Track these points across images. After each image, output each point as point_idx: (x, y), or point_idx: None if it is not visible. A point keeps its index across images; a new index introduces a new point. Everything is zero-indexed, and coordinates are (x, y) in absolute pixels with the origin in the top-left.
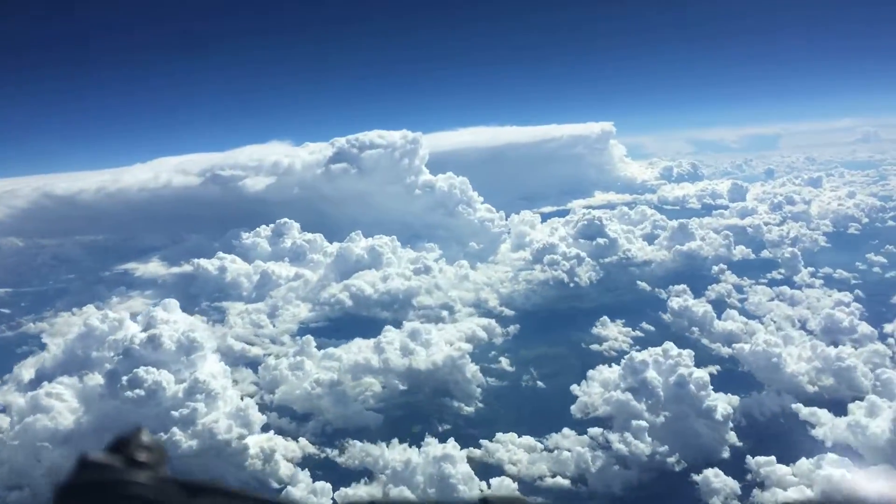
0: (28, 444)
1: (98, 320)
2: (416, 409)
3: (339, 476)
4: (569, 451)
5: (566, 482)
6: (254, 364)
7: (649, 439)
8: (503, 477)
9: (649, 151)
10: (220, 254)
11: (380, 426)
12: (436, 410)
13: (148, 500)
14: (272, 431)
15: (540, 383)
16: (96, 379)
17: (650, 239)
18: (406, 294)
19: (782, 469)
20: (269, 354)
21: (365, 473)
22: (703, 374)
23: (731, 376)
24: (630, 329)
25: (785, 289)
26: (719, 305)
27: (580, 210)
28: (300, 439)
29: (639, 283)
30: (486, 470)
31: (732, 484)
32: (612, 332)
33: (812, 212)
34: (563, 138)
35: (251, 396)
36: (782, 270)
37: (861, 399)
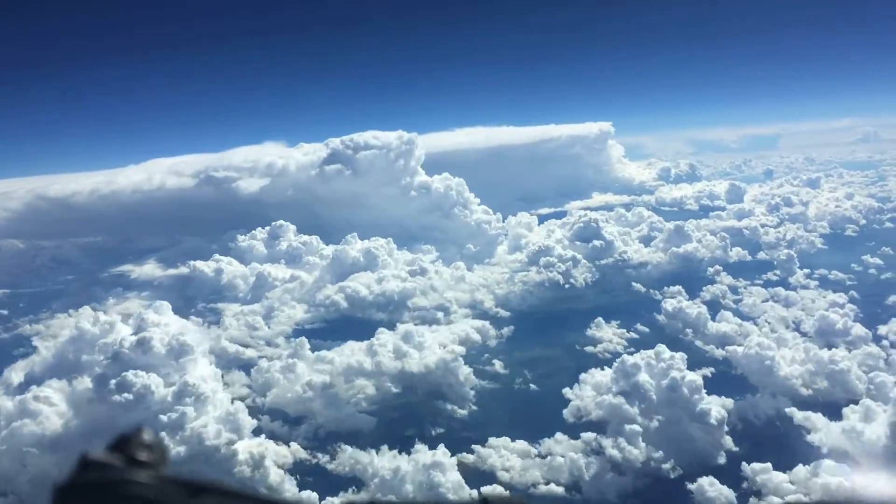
0: (14, 450)
1: (89, 323)
2: (410, 411)
3: (329, 483)
4: (562, 456)
5: (560, 489)
6: (248, 366)
7: (643, 444)
8: (495, 485)
9: (648, 151)
10: (217, 256)
11: (373, 429)
12: (429, 413)
13: (149, 499)
14: (263, 435)
15: (533, 386)
16: (85, 383)
17: (647, 241)
18: (401, 296)
19: (779, 476)
20: (264, 357)
21: (354, 481)
22: (696, 377)
23: (726, 379)
24: (625, 331)
25: (780, 290)
26: (714, 307)
27: (577, 212)
28: (292, 444)
29: (634, 284)
30: (477, 477)
31: (728, 493)
32: (607, 333)
33: (809, 213)
34: (561, 139)
35: (243, 399)
36: (778, 272)
37: (856, 402)
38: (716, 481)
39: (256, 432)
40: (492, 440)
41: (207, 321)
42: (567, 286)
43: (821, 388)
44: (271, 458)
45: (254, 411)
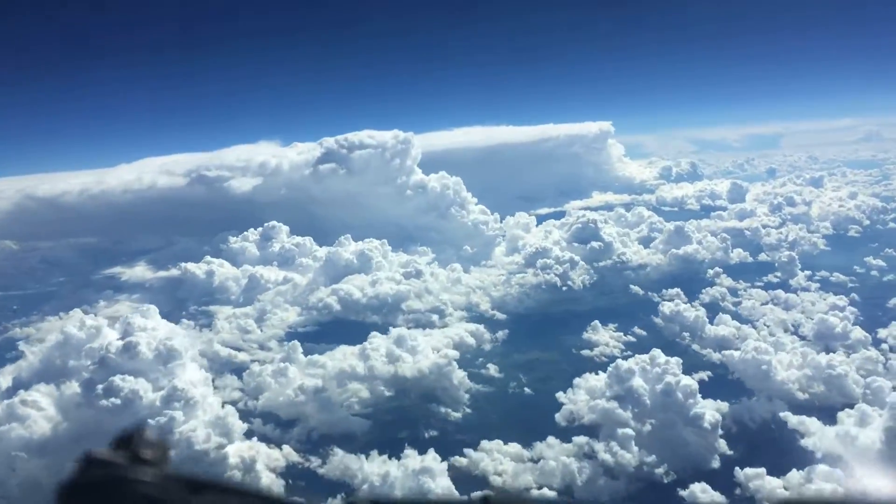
0: (2, 454)
1: (76, 327)
2: (403, 415)
3: (320, 488)
4: (554, 461)
5: (552, 494)
6: (241, 370)
7: (636, 449)
8: (486, 490)
9: (650, 150)
10: (209, 258)
11: (366, 432)
12: (423, 417)
13: (152, 497)
14: (255, 438)
15: (528, 390)
16: (73, 387)
17: (647, 241)
18: (395, 298)
19: (772, 482)
20: (256, 360)
21: (344, 486)
22: (690, 381)
23: (722, 382)
24: (622, 334)
25: (780, 292)
26: (713, 309)
27: (575, 212)
28: (284, 447)
29: (632, 287)
30: (469, 481)
31: (721, 500)
32: (604, 337)
33: (812, 213)
34: (560, 138)
35: (235, 403)
36: (779, 273)
37: (852, 407)
38: (708, 487)
39: (249, 435)
40: (485, 444)
41: (199, 324)
42: (564, 288)
43: (817, 393)
44: (263, 462)
45: (246, 415)
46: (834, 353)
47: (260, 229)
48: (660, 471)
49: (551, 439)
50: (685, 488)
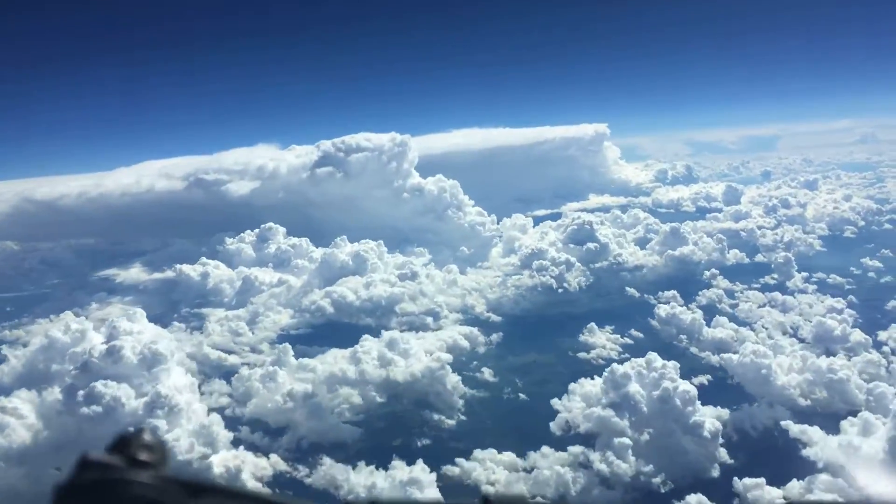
0: None
1: (60, 331)
2: (396, 421)
3: (306, 497)
4: (548, 470)
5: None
6: (231, 373)
7: (633, 458)
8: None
9: (646, 153)
10: (204, 259)
11: (357, 440)
12: (416, 423)
13: (149, 499)
14: (242, 447)
15: (522, 395)
16: (55, 393)
17: (643, 243)
18: (389, 301)
19: (772, 492)
20: (247, 364)
21: (330, 497)
22: (689, 387)
23: (722, 387)
24: (619, 336)
25: (777, 294)
26: (710, 311)
27: (571, 214)
28: (272, 455)
29: (628, 289)
30: (461, 491)
31: None
32: (601, 339)
33: (807, 215)
34: (557, 140)
35: (223, 409)
36: (775, 275)
37: (855, 413)
38: (704, 499)
39: (236, 444)
40: (478, 453)
41: (191, 326)
42: (560, 290)
43: (819, 399)
44: (249, 471)
45: (234, 422)
46: (834, 356)
47: (256, 231)
48: (657, 480)
49: (546, 448)
50: (682, 499)
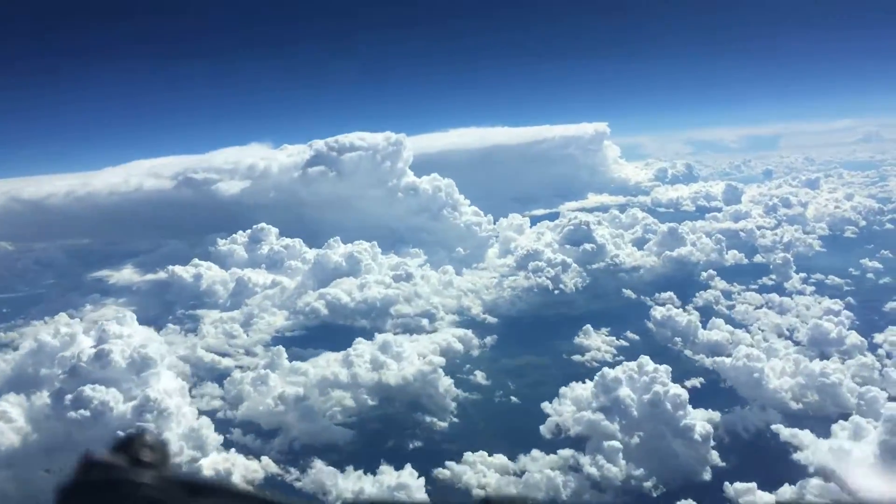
0: None
1: (50, 334)
2: (388, 424)
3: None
4: (539, 473)
5: None
6: (224, 376)
7: (623, 462)
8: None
9: (647, 152)
10: (196, 260)
11: (349, 442)
12: (408, 426)
13: (151, 499)
14: (233, 449)
15: (514, 398)
16: (44, 397)
17: (641, 243)
18: (384, 302)
19: (764, 497)
20: (241, 366)
21: (319, 502)
22: (680, 390)
23: (715, 390)
24: (614, 338)
25: (774, 296)
26: (707, 313)
27: (568, 213)
28: (263, 458)
29: (625, 290)
30: (452, 494)
31: None
32: (596, 341)
33: (808, 215)
34: (556, 139)
35: (215, 412)
36: (774, 276)
37: (847, 417)
38: None
39: (227, 446)
40: (468, 456)
41: (185, 328)
42: (556, 291)
43: (811, 402)
44: (239, 474)
45: (226, 424)
46: (828, 359)
47: (248, 231)
48: (648, 484)
49: (536, 452)
50: (673, 502)
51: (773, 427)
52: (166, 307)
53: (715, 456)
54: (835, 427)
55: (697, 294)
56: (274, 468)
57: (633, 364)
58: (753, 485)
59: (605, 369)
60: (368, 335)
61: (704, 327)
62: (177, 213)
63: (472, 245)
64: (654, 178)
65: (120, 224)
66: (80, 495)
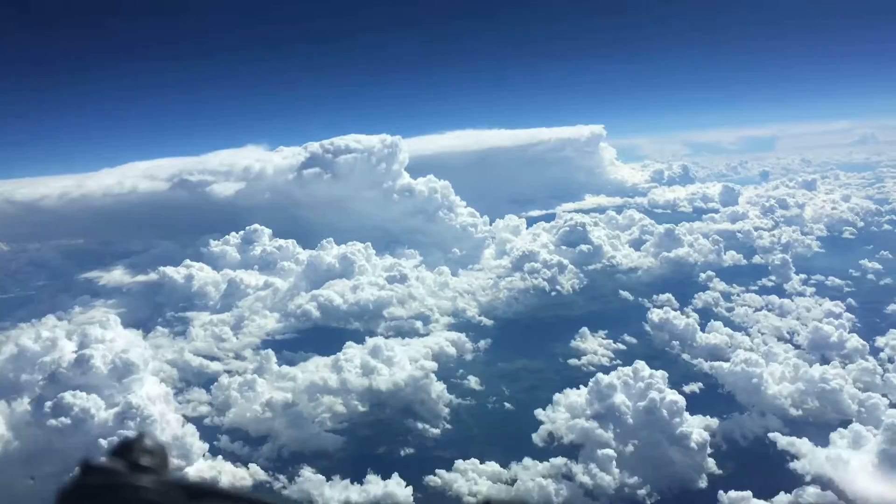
0: None
1: (30, 339)
2: (380, 430)
3: None
4: (532, 480)
5: None
6: (212, 381)
7: (616, 470)
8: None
9: (644, 153)
10: (188, 262)
11: (339, 449)
12: (400, 432)
13: (151, 503)
14: (220, 456)
15: (508, 404)
16: (24, 404)
17: (638, 244)
18: (377, 305)
19: None
20: (229, 370)
21: None
22: (677, 397)
23: (713, 396)
24: (611, 341)
25: (774, 298)
26: (706, 315)
27: (564, 214)
28: (251, 465)
29: (622, 292)
30: (442, 502)
31: None
32: (592, 345)
33: (806, 215)
34: (552, 141)
35: (202, 419)
36: (773, 277)
37: (847, 424)
38: None
39: (214, 453)
40: (459, 463)
41: (174, 331)
42: (553, 293)
43: (811, 409)
44: (227, 481)
45: (213, 431)
46: (829, 363)
47: (241, 233)
48: (642, 492)
49: (528, 460)
50: None
51: (771, 435)
52: (156, 309)
53: (711, 463)
54: (833, 435)
55: (696, 295)
56: (262, 476)
57: (628, 369)
58: (748, 493)
59: (600, 375)
60: (361, 338)
61: (703, 330)
62: (171, 214)
63: (467, 246)
64: (651, 179)
65: (113, 226)
66: (80, 500)
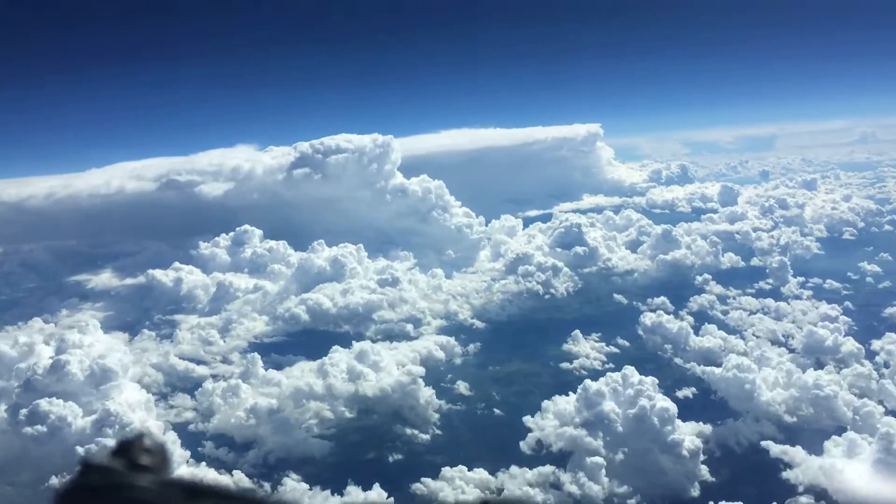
0: None
1: (7, 344)
2: (368, 436)
3: None
4: (520, 489)
5: None
6: (198, 385)
7: (606, 479)
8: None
9: (643, 153)
10: (177, 264)
11: (326, 455)
12: (388, 438)
13: (150, 502)
14: (204, 463)
15: (497, 410)
16: (0, 411)
17: (636, 245)
18: (367, 308)
19: None
20: (216, 374)
21: None
22: (668, 403)
23: (706, 402)
24: (604, 345)
25: (770, 301)
26: (701, 318)
27: (560, 215)
28: (235, 472)
29: (616, 295)
30: None
31: None
32: (585, 348)
33: (806, 216)
34: (548, 141)
35: (187, 425)
36: (770, 280)
37: (842, 430)
38: None
39: (199, 459)
40: (447, 471)
41: (161, 335)
42: (547, 296)
43: (805, 415)
44: None
45: (197, 437)
46: (824, 367)
47: (231, 234)
48: (632, 502)
49: (515, 469)
50: None
51: (764, 443)
52: (144, 312)
53: (704, 471)
54: (828, 443)
55: (692, 299)
56: (247, 483)
57: (617, 375)
58: None
59: (588, 381)
60: (350, 341)
61: (697, 333)
62: (159, 215)
63: (462, 248)
64: (650, 179)
65: (101, 227)
66: (79, 499)
